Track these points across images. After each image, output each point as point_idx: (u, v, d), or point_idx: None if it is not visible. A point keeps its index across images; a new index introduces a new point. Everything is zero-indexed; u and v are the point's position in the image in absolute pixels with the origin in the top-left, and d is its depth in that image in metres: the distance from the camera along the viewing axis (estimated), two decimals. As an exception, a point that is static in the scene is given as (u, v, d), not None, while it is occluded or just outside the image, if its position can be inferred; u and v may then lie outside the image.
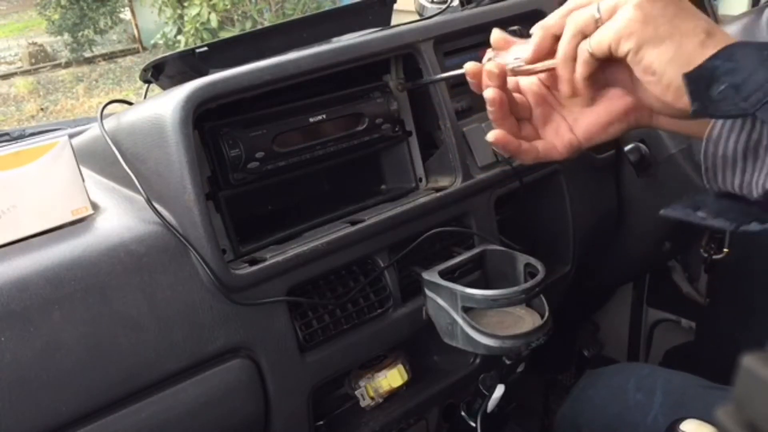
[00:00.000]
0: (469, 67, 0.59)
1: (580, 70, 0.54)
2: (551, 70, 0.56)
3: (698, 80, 0.48)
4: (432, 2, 1.21)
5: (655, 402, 0.82)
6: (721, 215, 0.52)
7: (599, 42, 0.51)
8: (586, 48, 0.52)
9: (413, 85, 0.89)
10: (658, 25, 0.50)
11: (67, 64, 6.95)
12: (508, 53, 0.58)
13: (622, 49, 0.50)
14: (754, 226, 0.49)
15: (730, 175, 0.53)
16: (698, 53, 0.49)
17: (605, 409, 0.88)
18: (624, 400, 0.86)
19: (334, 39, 0.97)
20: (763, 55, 0.47)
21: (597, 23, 0.52)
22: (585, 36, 0.53)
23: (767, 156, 0.50)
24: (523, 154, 0.59)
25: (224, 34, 5.39)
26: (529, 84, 0.61)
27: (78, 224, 0.71)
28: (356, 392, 0.88)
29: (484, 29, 0.94)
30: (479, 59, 0.60)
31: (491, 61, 0.58)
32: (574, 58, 0.54)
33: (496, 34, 0.59)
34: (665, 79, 0.50)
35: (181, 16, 5.82)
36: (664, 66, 0.50)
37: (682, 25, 0.49)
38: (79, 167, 0.73)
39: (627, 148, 1.11)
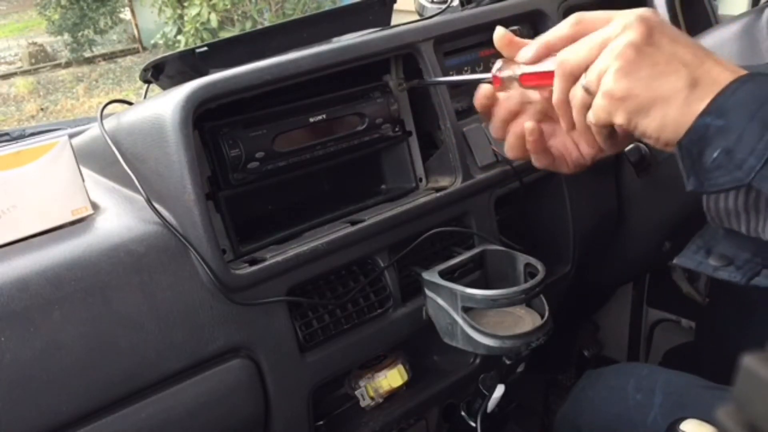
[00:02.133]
0: (482, 100, 0.60)
1: (579, 120, 0.54)
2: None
3: (690, 147, 0.48)
4: (432, 2, 1.21)
5: (655, 402, 0.82)
6: (731, 262, 0.51)
7: (596, 117, 0.52)
8: (589, 119, 0.53)
9: (419, 83, 0.88)
10: (637, 95, 0.49)
11: (67, 64, 6.95)
12: (516, 65, 0.57)
13: (616, 122, 0.51)
14: (763, 280, 0.49)
15: (735, 223, 0.53)
16: (685, 114, 0.47)
17: (605, 410, 0.88)
18: (624, 400, 0.86)
19: (334, 39, 0.97)
20: (751, 110, 0.45)
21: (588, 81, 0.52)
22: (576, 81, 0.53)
23: None
24: (540, 155, 0.59)
25: (224, 34, 5.39)
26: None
27: (78, 224, 0.71)
28: (356, 392, 0.88)
29: (484, 29, 0.94)
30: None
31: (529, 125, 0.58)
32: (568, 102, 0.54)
33: (500, 33, 0.57)
34: (662, 140, 0.50)
35: (181, 16, 5.82)
36: (658, 132, 0.49)
37: (660, 87, 0.48)
38: (79, 167, 0.73)
39: (627, 148, 1.11)
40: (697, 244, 0.54)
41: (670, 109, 0.48)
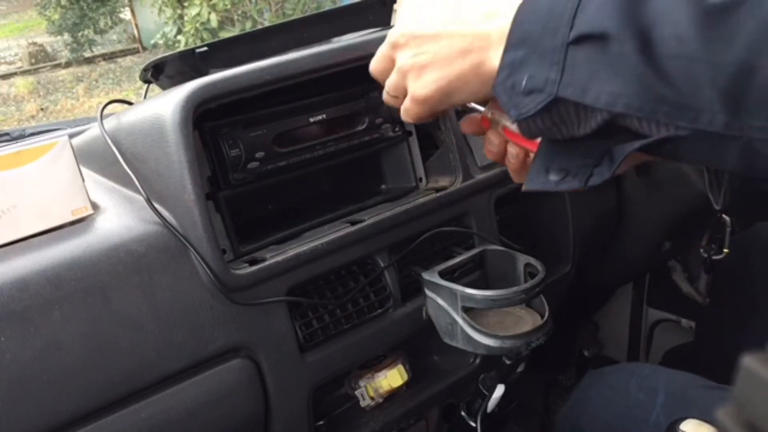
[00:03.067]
0: (469, 128, 0.66)
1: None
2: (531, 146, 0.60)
3: (504, 86, 0.51)
4: (432, 2, 1.21)
5: (657, 402, 0.82)
6: (568, 173, 0.53)
7: (411, 117, 0.60)
8: (404, 118, 0.62)
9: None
10: (433, 95, 0.57)
11: (67, 64, 6.96)
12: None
13: (437, 111, 0.60)
14: (597, 179, 0.51)
15: (554, 135, 0.55)
16: (485, 77, 0.53)
17: (607, 410, 0.88)
18: (626, 400, 0.86)
19: (334, 39, 0.96)
20: (538, 28, 0.48)
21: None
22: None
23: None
24: (518, 173, 0.63)
25: (224, 34, 5.39)
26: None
27: (78, 224, 0.71)
28: (356, 392, 0.88)
29: (484, 29, 0.94)
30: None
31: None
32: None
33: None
34: (483, 97, 0.57)
35: (181, 16, 5.83)
36: (475, 96, 0.56)
37: (450, 75, 0.55)
38: (79, 167, 0.73)
39: (627, 148, 1.11)
40: (536, 167, 0.56)
41: (469, 85, 0.55)
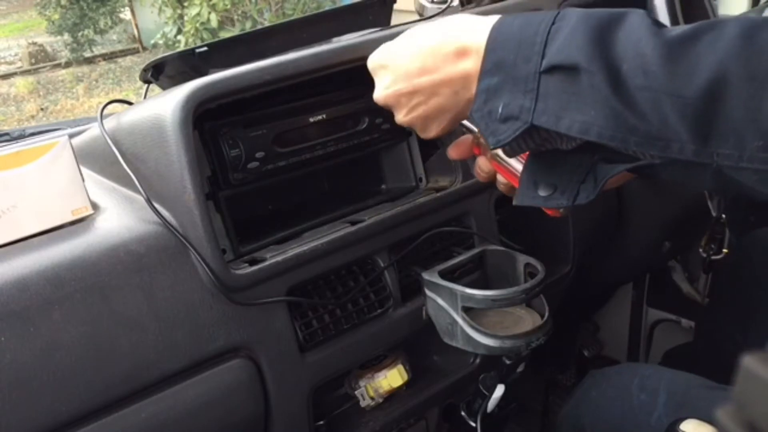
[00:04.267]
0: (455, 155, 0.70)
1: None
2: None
3: (481, 113, 0.52)
4: (432, 2, 1.21)
5: (659, 402, 0.82)
6: (556, 189, 0.55)
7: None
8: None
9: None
10: (415, 124, 0.62)
11: (67, 64, 6.95)
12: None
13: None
14: (583, 198, 0.54)
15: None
16: (460, 104, 0.57)
17: (609, 410, 0.88)
18: (628, 400, 0.86)
19: (334, 39, 0.96)
20: (511, 56, 0.50)
21: None
22: None
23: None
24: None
25: (224, 34, 5.39)
26: None
27: (78, 224, 0.71)
28: (356, 392, 0.88)
29: (484, 29, 0.94)
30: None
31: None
32: None
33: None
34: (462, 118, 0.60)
35: (181, 16, 5.82)
36: (453, 125, 0.61)
37: (435, 106, 0.58)
38: (79, 167, 0.72)
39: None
40: (525, 182, 0.58)
41: (449, 113, 0.59)
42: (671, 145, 0.45)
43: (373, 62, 0.65)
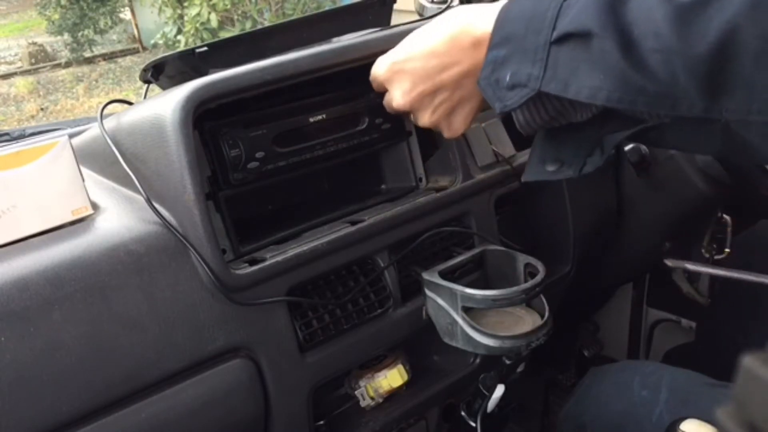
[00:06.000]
0: None
1: None
2: None
3: (488, 81, 0.54)
4: (432, 2, 1.21)
5: (661, 399, 0.82)
6: (563, 163, 0.57)
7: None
8: None
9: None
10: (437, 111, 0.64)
11: (67, 64, 6.95)
12: None
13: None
14: (589, 168, 0.56)
15: (547, 125, 0.59)
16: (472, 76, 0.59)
17: (610, 407, 0.88)
18: (629, 397, 0.86)
19: (334, 39, 0.96)
20: (521, 28, 0.52)
21: None
22: None
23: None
24: None
25: (224, 34, 5.39)
26: None
27: (78, 224, 0.71)
28: (356, 392, 0.88)
29: (484, 29, 0.94)
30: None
31: None
32: None
33: None
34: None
35: (181, 16, 5.82)
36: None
37: (457, 94, 0.61)
38: (79, 167, 0.72)
39: (627, 148, 1.11)
40: (533, 159, 0.60)
41: (472, 102, 0.62)
42: (681, 103, 0.46)
43: (383, 71, 0.67)
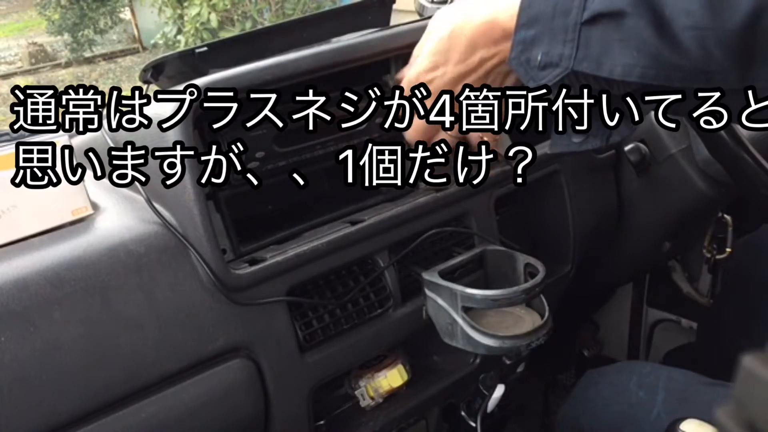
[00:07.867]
0: None
1: None
2: None
3: (519, 60, 0.55)
4: (432, 2, 1.21)
5: (658, 399, 0.82)
6: (589, 134, 0.58)
7: None
8: None
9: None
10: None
11: (67, 64, 6.95)
12: None
13: None
14: (616, 137, 0.57)
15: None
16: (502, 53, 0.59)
17: (607, 408, 0.88)
18: (627, 398, 0.86)
19: (334, 39, 0.96)
20: (549, 9, 0.52)
21: None
22: None
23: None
24: None
25: (224, 34, 5.39)
26: None
27: (78, 224, 0.71)
28: (356, 392, 0.88)
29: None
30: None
31: None
32: None
33: None
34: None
35: (181, 16, 5.81)
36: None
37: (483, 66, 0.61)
38: (79, 167, 0.72)
39: (627, 148, 1.11)
40: (558, 131, 0.61)
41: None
42: (715, 77, 0.48)
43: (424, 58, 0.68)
